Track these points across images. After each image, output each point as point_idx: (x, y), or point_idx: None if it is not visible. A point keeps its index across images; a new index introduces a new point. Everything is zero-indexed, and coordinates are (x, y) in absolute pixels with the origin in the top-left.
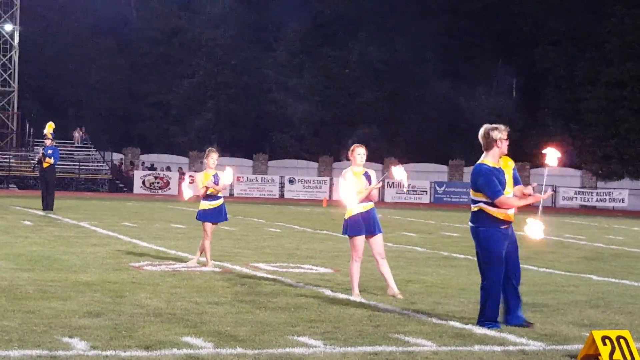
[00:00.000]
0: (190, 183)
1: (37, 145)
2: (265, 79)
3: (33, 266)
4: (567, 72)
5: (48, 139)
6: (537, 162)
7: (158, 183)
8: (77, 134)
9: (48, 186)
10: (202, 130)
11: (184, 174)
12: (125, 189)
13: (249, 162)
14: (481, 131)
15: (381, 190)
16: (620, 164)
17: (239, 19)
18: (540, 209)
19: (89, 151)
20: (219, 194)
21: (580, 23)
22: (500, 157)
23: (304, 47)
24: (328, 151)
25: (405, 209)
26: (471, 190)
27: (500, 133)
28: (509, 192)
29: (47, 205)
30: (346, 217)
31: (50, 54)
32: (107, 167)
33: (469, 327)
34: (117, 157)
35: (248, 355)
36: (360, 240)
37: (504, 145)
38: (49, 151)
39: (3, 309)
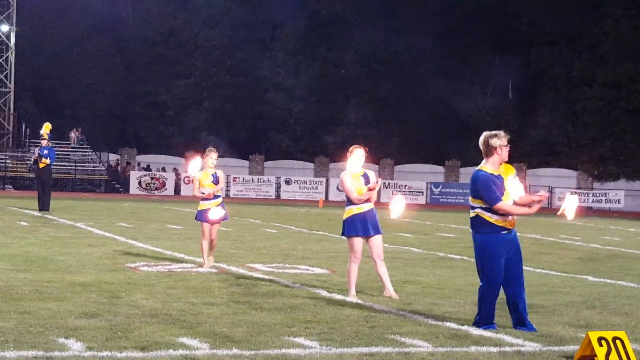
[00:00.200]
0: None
1: (34, 146)
2: (262, 80)
3: (29, 267)
4: (563, 73)
5: (44, 139)
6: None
7: (154, 184)
8: (73, 135)
9: (44, 187)
10: (199, 131)
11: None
12: (121, 190)
13: (245, 163)
14: (481, 138)
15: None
16: (616, 165)
17: (235, 20)
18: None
19: (85, 152)
20: (218, 194)
21: (576, 24)
22: (501, 164)
23: (300, 47)
24: (324, 152)
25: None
26: (470, 196)
27: (500, 140)
28: (507, 199)
29: (43, 206)
30: (344, 217)
31: (46, 54)
32: (103, 168)
33: (465, 328)
34: (113, 157)
35: (244, 356)
36: (357, 241)
37: (504, 152)
38: (45, 152)
39: None
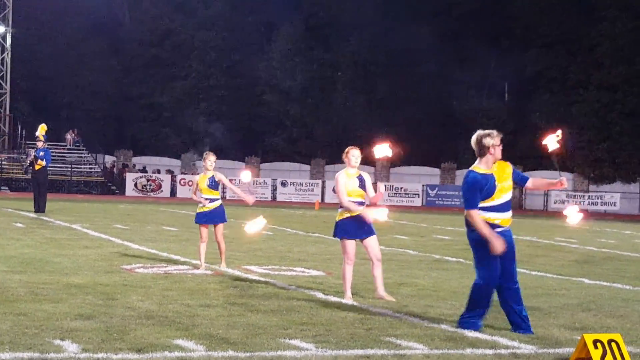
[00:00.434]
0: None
1: (30, 148)
2: (258, 81)
3: (25, 268)
4: (559, 75)
5: (40, 141)
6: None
7: (150, 185)
8: (69, 136)
9: (40, 188)
10: (195, 133)
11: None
12: (117, 192)
13: (242, 165)
14: (474, 138)
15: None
16: (612, 168)
17: (231, 21)
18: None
19: (81, 153)
20: (217, 196)
21: (572, 26)
22: (495, 163)
23: (296, 49)
24: (320, 154)
25: (397, 212)
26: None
27: (493, 139)
28: (499, 197)
29: (39, 208)
30: (337, 219)
31: (42, 56)
32: (99, 170)
33: (460, 330)
34: (109, 159)
35: (240, 358)
36: (349, 243)
37: (497, 152)
38: (41, 153)
39: None
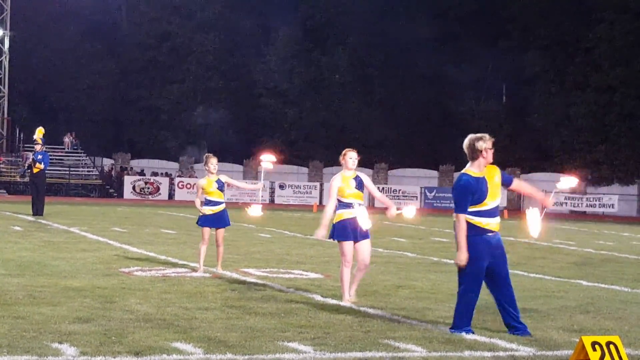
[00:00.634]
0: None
1: (27, 151)
2: (256, 84)
3: (23, 272)
4: (557, 77)
5: (38, 144)
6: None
7: (148, 188)
8: (67, 139)
9: (38, 191)
10: (193, 136)
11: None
12: (115, 194)
13: (240, 168)
14: (466, 142)
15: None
16: (610, 170)
17: (229, 24)
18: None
19: (79, 156)
20: (222, 199)
21: (569, 28)
22: (485, 166)
23: (294, 52)
24: (318, 156)
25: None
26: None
27: (485, 143)
28: (492, 201)
29: (37, 211)
30: (335, 221)
31: (40, 59)
32: (97, 172)
33: (458, 332)
34: (107, 162)
35: None
36: (347, 245)
37: (489, 155)
38: (39, 156)
39: None
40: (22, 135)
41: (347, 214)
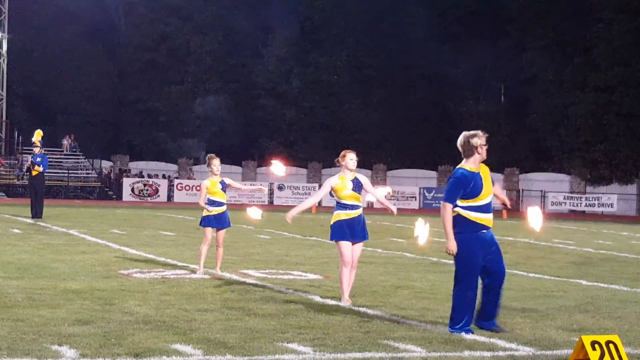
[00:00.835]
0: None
1: (26, 153)
2: (254, 86)
3: (22, 274)
4: (556, 77)
5: (37, 146)
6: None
7: (147, 190)
8: (65, 142)
9: (37, 194)
10: (191, 137)
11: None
12: (114, 197)
13: (238, 169)
14: (460, 139)
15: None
16: (609, 169)
17: (227, 26)
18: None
19: (78, 159)
20: (224, 200)
21: (568, 28)
22: (480, 163)
23: (292, 53)
24: (317, 158)
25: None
26: None
27: (480, 139)
28: (487, 196)
29: (36, 213)
30: (332, 222)
31: (38, 61)
32: (95, 175)
33: (457, 333)
34: (106, 164)
35: None
36: (345, 245)
37: (484, 151)
38: (38, 159)
39: None
40: (20, 138)
41: (344, 215)
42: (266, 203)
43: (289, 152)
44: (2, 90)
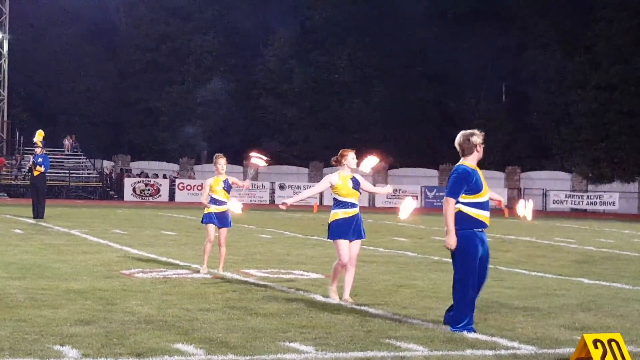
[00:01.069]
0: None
1: (28, 154)
2: (255, 85)
3: (24, 274)
4: (556, 76)
5: (38, 147)
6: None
7: (148, 190)
8: (67, 142)
9: (38, 194)
10: (192, 137)
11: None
12: (115, 197)
13: (239, 169)
14: (459, 138)
15: (372, 196)
16: (611, 167)
17: (228, 25)
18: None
19: (79, 159)
20: (226, 199)
21: (569, 27)
22: (477, 161)
23: (293, 52)
24: (318, 157)
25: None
26: None
27: (478, 138)
28: (486, 193)
29: (38, 214)
30: (330, 220)
31: (39, 62)
32: (97, 175)
33: (460, 331)
34: (107, 164)
35: None
36: (342, 244)
37: (481, 150)
38: (39, 159)
39: None
40: (22, 139)
41: (343, 214)
42: (267, 202)
43: (290, 151)
44: (3, 90)
